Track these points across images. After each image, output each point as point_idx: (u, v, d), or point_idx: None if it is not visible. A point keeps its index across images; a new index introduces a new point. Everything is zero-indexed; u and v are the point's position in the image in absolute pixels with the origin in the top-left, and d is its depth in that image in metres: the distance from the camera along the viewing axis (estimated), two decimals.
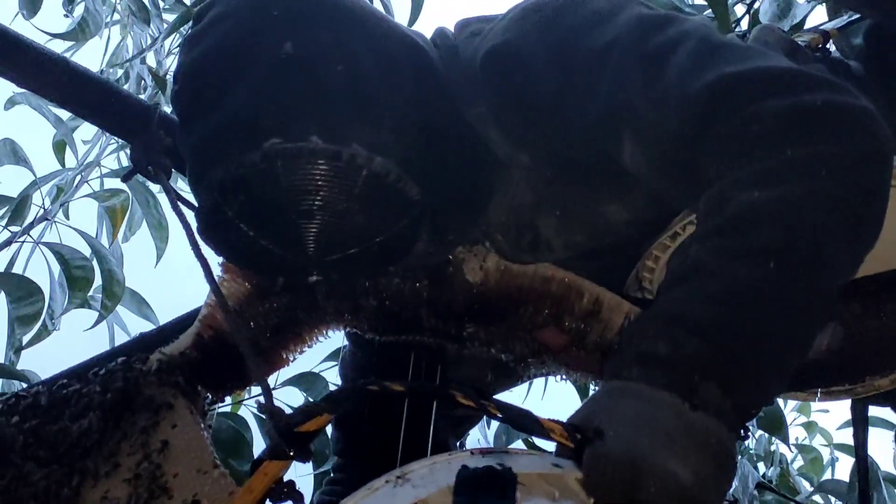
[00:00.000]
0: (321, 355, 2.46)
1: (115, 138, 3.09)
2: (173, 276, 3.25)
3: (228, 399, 2.48)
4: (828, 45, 1.70)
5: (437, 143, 1.39)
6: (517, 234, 1.48)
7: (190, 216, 1.35)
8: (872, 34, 1.72)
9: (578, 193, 1.44)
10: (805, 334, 1.10)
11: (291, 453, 1.05)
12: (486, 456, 0.99)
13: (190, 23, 1.45)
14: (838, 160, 1.13)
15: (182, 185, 1.73)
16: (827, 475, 3.35)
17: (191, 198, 1.40)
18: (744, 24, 2.72)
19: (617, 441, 0.98)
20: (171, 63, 3.40)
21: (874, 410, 2.39)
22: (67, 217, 3.03)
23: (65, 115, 3.12)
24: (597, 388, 1.50)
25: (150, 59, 3.46)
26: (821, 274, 1.09)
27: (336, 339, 1.53)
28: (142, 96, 3.17)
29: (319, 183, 1.29)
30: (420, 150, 1.36)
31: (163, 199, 3.01)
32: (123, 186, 3.03)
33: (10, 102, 3.11)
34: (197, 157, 1.34)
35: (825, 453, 3.44)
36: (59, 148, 3.20)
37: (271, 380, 2.41)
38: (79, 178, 3.08)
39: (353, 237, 1.35)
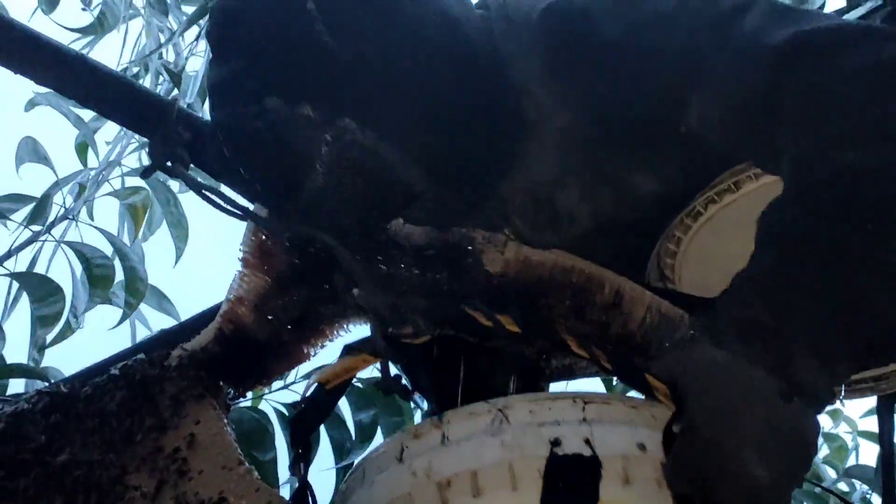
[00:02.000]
0: (339, 349, 2.46)
1: (136, 138, 3.11)
2: (193, 275, 3.26)
3: (250, 393, 2.51)
4: None
5: (455, 125, 1.39)
6: (534, 213, 1.48)
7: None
8: (892, 21, 1.72)
9: (612, 157, 1.43)
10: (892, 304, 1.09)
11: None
12: (587, 405, 1.04)
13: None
14: None
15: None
16: (850, 461, 3.34)
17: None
18: None
19: (707, 440, 1.00)
20: (189, 59, 3.41)
21: None
22: (91, 216, 3.05)
23: (86, 115, 3.14)
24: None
25: (170, 53, 3.47)
26: None
27: (356, 333, 1.53)
28: (159, 89, 3.17)
29: (309, 149, 1.30)
30: (432, 134, 1.36)
31: (183, 199, 3.02)
32: (144, 184, 3.04)
33: (31, 104, 3.13)
34: (211, 96, 1.38)
35: (848, 440, 3.44)
36: (82, 149, 3.21)
37: (290, 375, 2.42)
38: (100, 176, 3.09)
39: (343, 208, 1.36)
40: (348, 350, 1.23)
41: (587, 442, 1.01)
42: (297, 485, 1.27)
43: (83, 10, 3.31)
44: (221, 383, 1.45)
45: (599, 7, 1.37)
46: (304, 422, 1.19)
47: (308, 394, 1.19)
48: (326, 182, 1.32)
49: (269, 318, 1.47)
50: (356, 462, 1.16)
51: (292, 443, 1.19)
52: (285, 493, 1.26)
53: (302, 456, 1.26)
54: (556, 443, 1.00)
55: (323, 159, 1.30)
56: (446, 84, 1.39)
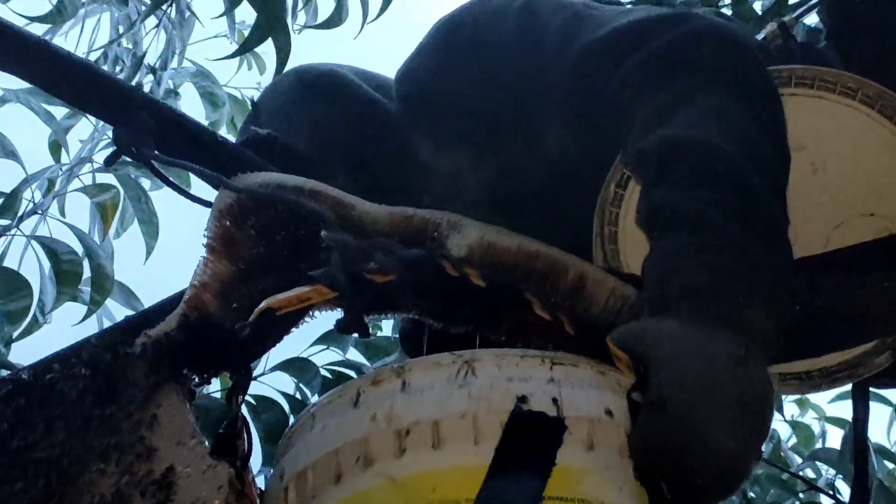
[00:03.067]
0: (309, 340, 2.46)
1: (108, 134, 3.09)
2: (164, 272, 3.25)
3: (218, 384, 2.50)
4: (790, 34, 1.71)
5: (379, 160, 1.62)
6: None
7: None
8: (830, 10, 1.75)
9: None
10: (783, 214, 1.20)
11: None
12: (555, 366, 1.05)
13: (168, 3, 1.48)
14: (699, 86, 1.25)
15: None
16: (817, 447, 3.36)
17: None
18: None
19: (676, 413, 1.02)
20: (149, 44, 3.40)
21: None
22: (62, 212, 3.04)
23: (57, 113, 3.13)
24: None
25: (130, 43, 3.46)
26: (757, 165, 1.19)
27: (323, 322, 1.53)
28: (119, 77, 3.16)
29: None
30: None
31: (154, 196, 3.01)
32: (114, 181, 3.03)
33: (1, 101, 3.11)
34: None
35: (815, 426, 3.46)
36: (55, 148, 3.20)
37: (259, 364, 2.42)
38: (71, 172, 3.08)
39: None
40: (309, 278, 1.21)
41: (554, 401, 1.00)
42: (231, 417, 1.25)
43: None
44: (185, 370, 1.45)
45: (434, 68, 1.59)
46: (246, 345, 1.18)
47: (255, 317, 1.17)
48: None
49: (234, 305, 1.46)
50: (305, 409, 1.14)
51: (233, 367, 1.18)
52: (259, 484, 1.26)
53: (239, 385, 1.25)
54: (523, 399, 0.99)
55: None
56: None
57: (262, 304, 1.16)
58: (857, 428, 2.18)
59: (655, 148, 1.21)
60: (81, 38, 3.45)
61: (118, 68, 3.30)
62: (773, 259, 1.14)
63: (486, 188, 1.61)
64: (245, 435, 1.21)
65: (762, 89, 1.30)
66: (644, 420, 1.03)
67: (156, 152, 1.43)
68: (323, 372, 2.50)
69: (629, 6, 1.52)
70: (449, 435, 0.99)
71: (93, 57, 3.40)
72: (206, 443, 1.26)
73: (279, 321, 1.17)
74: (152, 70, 3.18)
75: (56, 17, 3.21)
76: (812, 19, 2.01)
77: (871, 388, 2.52)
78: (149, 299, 2.93)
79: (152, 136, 1.44)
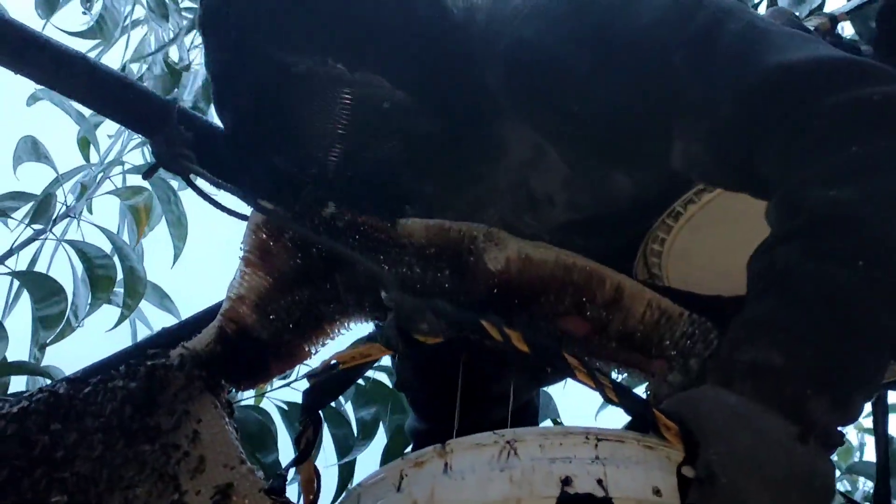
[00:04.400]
0: (342, 345, 2.47)
1: (138, 135, 3.10)
2: (193, 272, 3.26)
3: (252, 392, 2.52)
4: (836, 29, 1.70)
5: (449, 86, 1.43)
6: (513, 195, 1.49)
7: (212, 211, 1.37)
8: (884, 16, 1.71)
9: (588, 163, 1.44)
10: (886, 340, 1.10)
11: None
12: (600, 443, 0.99)
13: None
14: None
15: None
16: (855, 458, 3.34)
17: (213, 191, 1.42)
18: (761, 9, 2.71)
19: (727, 489, 0.97)
20: (195, 58, 3.41)
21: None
22: (91, 213, 3.05)
23: (87, 111, 3.14)
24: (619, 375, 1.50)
25: (173, 54, 3.47)
26: None
27: (356, 331, 1.53)
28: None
29: (340, 110, 1.33)
30: (432, 89, 1.39)
31: (183, 197, 3.02)
32: (145, 184, 3.04)
33: (33, 98, 3.13)
34: (219, 93, 1.39)
35: (853, 438, 3.44)
36: (84, 144, 3.21)
37: (292, 371, 2.43)
38: (101, 175, 3.09)
39: (368, 169, 1.39)
40: (368, 338, 1.22)
41: (600, 482, 0.95)
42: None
43: (84, 13, 3.31)
44: (223, 382, 1.46)
45: (566, 47, 1.37)
46: (318, 394, 1.19)
47: (322, 370, 1.18)
48: (351, 147, 1.33)
49: (271, 317, 1.47)
50: (350, 488, 1.13)
51: (302, 413, 1.18)
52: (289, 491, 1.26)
53: (309, 428, 1.25)
54: (566, 482, 0.95)
55: (348, 119, 1.32)
56: (433, 40, 1.43)
57: (328, 359, 1.17)
58: (878, 432, 2.18)
59: (821, 208, 1.12)
60: (127, 52, 3.48)
61: (160, 82, 3.31)
62: (861, 367, 1.07)
63: (571, 207, 1.53)
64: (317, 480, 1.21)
65: None
66: (694, 498, 0.98)
67: (194, 166, 1.43)
68: None
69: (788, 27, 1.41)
70: None
71: (134, 71, 3.41)
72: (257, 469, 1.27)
73: (344, 373, 1.18)
74: (170, 70, 3.18)
75: (97, 32, 3.23)
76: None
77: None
78: (178, 299, 2.96)
79: (190, 148, 1.44)
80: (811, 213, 1.12)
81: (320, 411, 1.20)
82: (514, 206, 1.52)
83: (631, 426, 1.04)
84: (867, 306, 1.07)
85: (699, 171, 1.34)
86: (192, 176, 1.44)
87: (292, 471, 1.20)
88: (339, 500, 1.15)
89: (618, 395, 1.03)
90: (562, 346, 1.43)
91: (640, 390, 1.55)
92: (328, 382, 1.19)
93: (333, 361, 1.17)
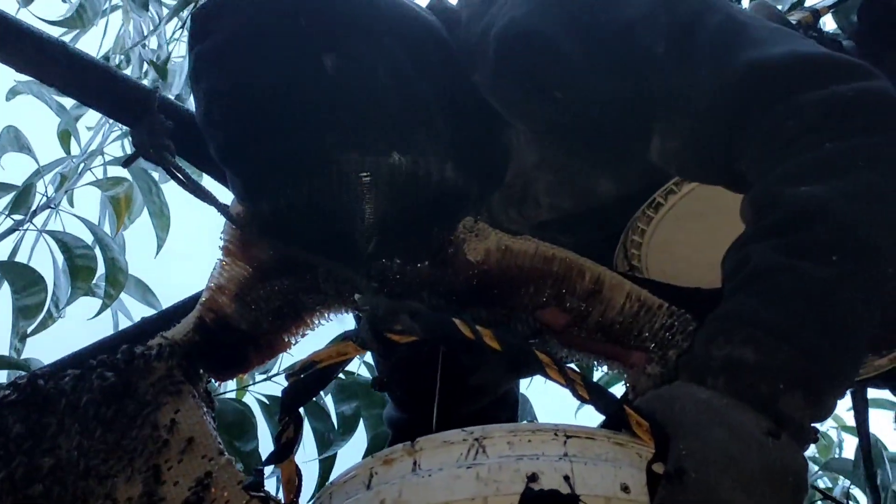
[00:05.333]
0: (324, 340, 2.46)
1: (119, 126, 3.10)
2: (174, 264, 3.26)
3: (233, 384, 2.51)
4: (818, 24, 1.70)
5: (468, 119, 1.41)
6: (509, 189, 1.49)
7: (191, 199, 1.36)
8: (865, 9, 1.72)
9: (573, 163, 1.44)
10: (871, 327, 1.09)
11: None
12: (569, 440, 0.98)
13: (188, 13, 1.45)
14: (877, 150, 1.14)
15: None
16: (834, 456, 3.35)
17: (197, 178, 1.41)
18: (745, 3, 2.71)
19: (698, 485, 0.96)
20: (173, 48, 3.39)
21: (879, 393, 2.40)
22: (72, 205, 3.04)
23: (68, 103, 3.13)
24: (599, 368, 1.50)
25: (153, 44, 3.45)
26: (881, 263, 1.09)
27: (337, 323, 1.53)
28: (144, 82, 3.16)
29: (392, 194, 1.32)
30: (462, 139, 1.38)
31: (165, 188, 3.01)
32: (126, 175, 3.03)
33: (12, 93, 3.12)
34: (255, 176, 1.35)
35: (833, 434, 3.44)
36: (64, 137, 3.19)
37: (273, 365, 2.43)
38: (82, 166, 3.08)
39: (414, 233, 1.39)
40: (343, 336, 1.22)
41: (566, 479, 0.94)
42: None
43: (64, 1, 3.30)
44: (202, 372, 1.46)
45: (554, 29, 1.36)
46: (297, 392, 1.19)
47: (299, 369, 1.18)
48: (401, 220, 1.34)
49: (251, 307, 1.47)
50: (324, 487, 1.12)
51: (282, 412, 1.18)
52: (268, 484, 1.25)
53: (290, 427, 1.25)
54: (532, 478, 0.94)
55: (368, 198, 1.31)
56: (449, 91, 1.41)
57: (306, 358, 1.17)
58: (860, 427, 2.18)
59: (795, 204, 1.12)
60: (104, 41, 3.46)
61: (144, 70, 3.30)
62: (835, 363, 1.05)
63: (554, 209, 1.53)
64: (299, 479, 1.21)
65: None
66: (662, 494, 0.96)
67: (175, 156, 1.42)
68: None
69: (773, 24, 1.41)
70: None
71: (115, 60, 3.40)
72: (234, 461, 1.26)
73: (321, 372, 1.18)
74: (156, 69, 3.17)
75: (77, 21, 3.22)
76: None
77: (884, 397, 2.54)
78: (160, 291, 2.95)
79: (170, 138, 1.44)
80: (784, 210, 1.12)
81: (300, 409, 1.20)
82: (502, 199, 1.53)
83: (605, 425, 1.04)
84: (841, 301, 1.07)
85: (676, 166, 1.34)
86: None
87: (271, 465, 1.20)
88: (314, 500, 1.13)
89: (589, 393, 1.03)
90: (541, 337, 1.44)
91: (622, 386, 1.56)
92: (306, 381, 1.19)
93: (311, 360, 1.17)
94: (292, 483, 1.18)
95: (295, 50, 1.33)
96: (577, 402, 1.08)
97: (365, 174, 1.29)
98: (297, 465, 1.19)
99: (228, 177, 1.39)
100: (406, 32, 1.40)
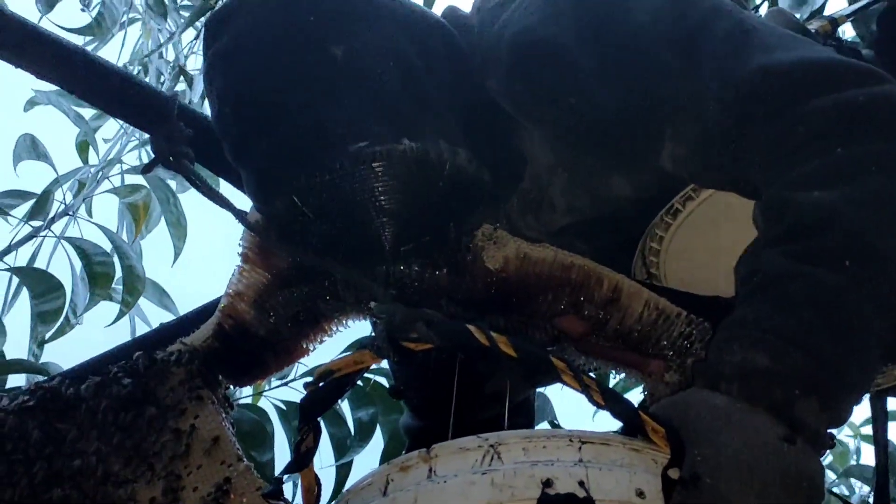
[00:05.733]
0: (341, 346, 2.46)
1: (136, 136, 3.11)
2: (191, 272, 3.27)
3: (249, 389, 2.52)
4: (837, 32, 1.69)
5: (480, 120, 1.41)
6: (526, 194, 1.49)
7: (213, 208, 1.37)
8: (885, 18, 1.71)
9: (587, 162, 1.44)
10: (886, 333, 1.08)
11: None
12: (584, 446, 0.98)
13: (205, 22, 1.45)
14: (888, 155, 1.13)
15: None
16: (852, 464, 3.34)
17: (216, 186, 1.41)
18: (762, 10, 2.71)
19: (712, 491, 0.96)
20: (190, 59, 3.41)
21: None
22: (90, 213, 3.05)
23: (86, 113, 3.14)
24: (617, 375, 1.50)
25: (170, 54, 3.47)
26: (892, 270, 1.09)
27: (355, 330, 1.53)
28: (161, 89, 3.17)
29: (407, 182, 1.31)
30: (475, 137, 1.38)
31: (182, 198, 3.02)
32: (144, 182, 3.04)
33: (31, 103, 3.13)
34: (267, 171, 1.35)
35: (850, 444, 3.44)
36: (83, 148, 3.21)
37: (290, 371, 2.43)
38: (100, 174, 3.09)
39: (430, 227, 1.38)
40: (360, 345, 1.23)
41: (581, 484, 0.94)
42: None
43: (82, 10, 3.31)
44: (220, 378, 1.46)
45: (565, 38, 1.36)
46: (315, 402, 1.19)
47: (317, 378, 1.19)
48: (416, 208, 1.33)
49: (269, 313, 1.47)
50: (341, 494, 1.12)
51: (301, 421, 1.18)
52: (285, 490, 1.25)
53: (308, 437, 1.25)
54: (547, 483, 0.93)
55: (381, 188, 1.31)
56: (459, 86, 1.42)
57: (323, 367, 1.17)
58: (878, 438, 2.17)
59: (806, 211, 1.12)
60: (124, 50, 3.48)
61: (161, 79, 3.31)
62: (849, 369, 1.05)
63: (570, 211, 1.53)
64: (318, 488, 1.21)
65: None
66: (677, 500, 0.96)
67: (193, 164, 1.42)
68: None
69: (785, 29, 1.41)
70: None
71: (133, 68, 3.41)
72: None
73: (339, 381, 1.18)
74: (184, 75, 3.18)
75: (96, 29, 3.23)
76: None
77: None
78: (177, 298, 2.96)
79: (189, 145, 1.44)
80: (795, 216, 1.12)
81: (319, 418, 1.21)
82: (520, 206, 1.53)
83: (622, 431, 1.04)
84: (854, 307, 1.06)
85: (688, 172, 1.34)
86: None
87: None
88: None
89: (604, 399, 1.02)
90: (559, 345, 1.44)
91: (639, 392, 1.56)
92: (324, 390, 1.19)
93: (328, 369, 1.18)
94: (311, 492, 1.19)
95: (304, 44, 1.33)
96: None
97: (376, 163, 1.29)
98: (315, 474, 1.20)
99: (244, 178, 1.39)
100: (412, 26, 1.41)
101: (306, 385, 1.20)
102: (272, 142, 1.32)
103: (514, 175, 1.50)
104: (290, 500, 1.21)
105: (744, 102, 1.22)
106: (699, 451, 0.98)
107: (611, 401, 1.03)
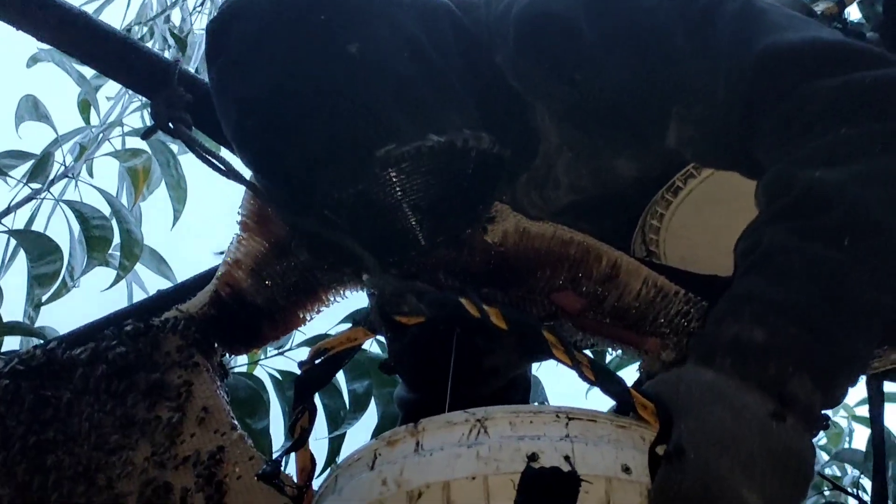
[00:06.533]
0: (337, 318, 2.46)
1: (138, 97, 3.10)
2: (190, 236, 3.26)
3: (245, 358, 2.51)
4: (843, 14, 1.69)
5: (495, 99, 1.41)
6: (535, 171, 1.48)
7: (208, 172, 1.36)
8: (892, 2, 1.71)
9: (592, 142, 1.43)
10: (887, 311, 1.08)
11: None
12: (571, 422, 0.98)
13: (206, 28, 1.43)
14: (893, 135, 1.12)
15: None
16: (844, 446, 3.34)
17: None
18: None
19: (695, 465, 0.95)
20: (196, 20, 3.39)
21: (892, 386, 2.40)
22: (91, 175, 3.03)
23: (88, 72, 3.12)
24: (613, 351, 1.50)
25: (175, 17, 3.45)
26: (893, 246, 1.08)
27: (353, 300, 1.53)
28: (166, 54, 3.15)
29: (437, 176, 1.31)
30: (490, 111, 1.37)
31: (183, 160, 3.01)
32: (145, 146, 3.02)
33: (33, 60, 3.11)
34: (297, 183, 1.33)
35: (843, 424, 3.43)
36: (84, 107, 3.19)
37: (286, 340, 2.43)
38: (101, 136, 3.08)
39: (460, 214, 1.38)
40: (353, 322, 1.22)
41: (567, 459, 0.94)
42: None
43: None
44: (216, 345, 1.46)
45: (574, 12, 1.36)
46: (310, 381, 1.19)
47: (311, 356, 1.19)
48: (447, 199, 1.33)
49: (267, 282, 1.47)
50: (331, 468, 1.13)
51: (296, 401, 1.18)
52: None
53: (302, 416, 1.25)
54: (533, 457, 0.94)
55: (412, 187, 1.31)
56: (469, 66, 1.40)
57: (318, 346, 1.17)
58: (874, 423, 2.17)
59: (808, 189, 1.11)
60: (127, 13, 3.46)
61: (166, 44, 3.30)
62: (845, 346, 1.04)
63: (574, 189, 1.50)
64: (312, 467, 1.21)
65: None
66: (662, 474, 0.95)
67: (192, 129, 1.42)
68: None
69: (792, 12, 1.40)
70: (460, 497, 0.95)
71: (137, 31, 3.39)
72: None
73: (333, 358, 1.18)
74: (178, 42, 3.16)
75: None
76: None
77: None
78: (175, 263, 2.95)
79: (189, 111, 1.43)
80: (798, 193, 1.11)
81: (314, 401, 1.21)
82: (527, 182, 1.52)
83: (615, 410, 1.04)
84: (852, 284, 1.06)
85: (693, 152, 1.34)
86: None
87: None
88: (322, 483, 1.13)
89: (595, 374, 1.02)
90: (557, 321, 1.44)
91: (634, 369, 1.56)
92: (319, 368, 1.19)
93: (323, 347, 1.18)
94: (306, 471, 1.19)
95: (319, 45, 1.31)
96: (588, 385, 1.08)
97: (405, 163, 1.28)
98: (311, 454, 1.20)
99: (268, 190, 1.38)
100: (419, 12, 1.39)
101: (301, 364, 1.20)
102: (300, 152, 1.31)
103: (529, 151, 1.49)
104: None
105: (752, 82, 1.22)
106: (685, 425, 0.97)
107: (602, 377, 1.02)
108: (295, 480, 1.19)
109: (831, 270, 1.06)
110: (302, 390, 1.18)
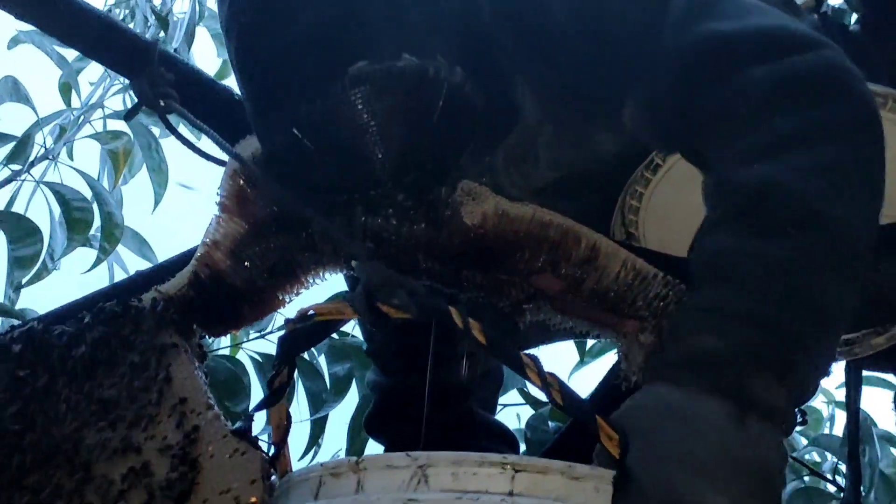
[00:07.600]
0: (320, 299, 2.47)
1: (119, 80, 3.09)
2: (171, 219, 3.25)
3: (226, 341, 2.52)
4: (823, 6, 1.69)
5: (481, 59, 1.38)
6: (513, 149, 1.48)
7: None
8: None
9: (570, 116, 1.42)
10: (845, 299, 1.07)
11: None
12: (517, 474, 0.94)
13: None
14: (828, 121, 1.12)
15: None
16: (825, 431, 3.35)
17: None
18: None
19: (650, 483, 0.93)
20: (175, 1, 3.37)
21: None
22: (71, 157, 3.03)
23: (69, 55, 3.11)
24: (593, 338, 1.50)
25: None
26: (844, 233, 1.07)
27: (333, 283, 1.53)
28: (147, 35, 3.14)
29: (405, 104, 1.28)
30: (474, 68, 1.34)
31: (164, 143, 3.00)
32: (126, 129, 3.02)
33: (14, 41, 3.10)
34: (271, 86, 1.31)
35: (824, 410, 3.45)
36: (65, 90, 3.18)
37: (268, 322, 2.43)
38: (82, 118, 3.07)
39: (427, 160, 1.35)
40: (342, 297, 1.22)
41: None
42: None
43: None
44: (195, 327, 1.45)
45: None
46: (294, 340, 1.19)
47: (298, 318, 1.19)
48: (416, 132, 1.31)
49: (246, 263, 1.46)
50: (285, 477, 1.11)
51: (277, 357, 1.18)
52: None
53: (282, 373, 1.24)
54: None
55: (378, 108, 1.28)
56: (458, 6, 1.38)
57: (306, 308, 1.17)
58: (850, 407, 2.18)
59: (747, 187, 1.10)
60: None
61: (146, 25, 3.28)
62: (804, 338, 1.03)
63: (554, 166, 1.50)
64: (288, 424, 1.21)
65: (878, 148, 1.15)
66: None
67: (178, 106, 1.41)
68: None
69: None
70: None
71: (118, 12, 3.37)
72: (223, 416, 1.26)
73: (319, 325, 1.18)
74: (160, 21, 3.14)
75: None
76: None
77: (877, 374, 2.54)
78: (156, 246, 2.95)
79: (173, 89, 1.43)
80: (738, 193, 1.11)
81: (295, 360, 1.21)
82: (506, 159, 1.51)
83: (573, 424, 1.03)
84: (803, 275, 1.05)
85: (647, 135, 1.33)
86: (171, 119, 1.43)
87: (262, 417, 1.20)
88: (277, 484, 1.13)
89: (563, 399, 1.00)
90: (536, 303, 1.44)
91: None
92: (305, 331, 1.19)
93: (310, 311, 1.17)
94: (281, 427, 1.19)
95: None
96: (576, 359, 1.08)
97: (376, 84, 1.25)
98: (287, 410, 1.19)
99: (244, 101, 1.37)
100: None
101: (286, 321, 1.20)
102: (281, 45, 1.29)
103: (505, 122, 1.47)
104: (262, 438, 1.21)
105: (692, 70, 1.21)
106: (633, 449, 0.96)
107: (569, 402, 1.00)
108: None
109: (778, 264, 1.05)
110: (285, 349, 1.18)
